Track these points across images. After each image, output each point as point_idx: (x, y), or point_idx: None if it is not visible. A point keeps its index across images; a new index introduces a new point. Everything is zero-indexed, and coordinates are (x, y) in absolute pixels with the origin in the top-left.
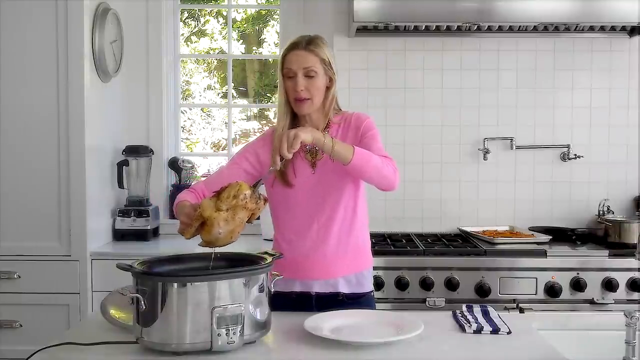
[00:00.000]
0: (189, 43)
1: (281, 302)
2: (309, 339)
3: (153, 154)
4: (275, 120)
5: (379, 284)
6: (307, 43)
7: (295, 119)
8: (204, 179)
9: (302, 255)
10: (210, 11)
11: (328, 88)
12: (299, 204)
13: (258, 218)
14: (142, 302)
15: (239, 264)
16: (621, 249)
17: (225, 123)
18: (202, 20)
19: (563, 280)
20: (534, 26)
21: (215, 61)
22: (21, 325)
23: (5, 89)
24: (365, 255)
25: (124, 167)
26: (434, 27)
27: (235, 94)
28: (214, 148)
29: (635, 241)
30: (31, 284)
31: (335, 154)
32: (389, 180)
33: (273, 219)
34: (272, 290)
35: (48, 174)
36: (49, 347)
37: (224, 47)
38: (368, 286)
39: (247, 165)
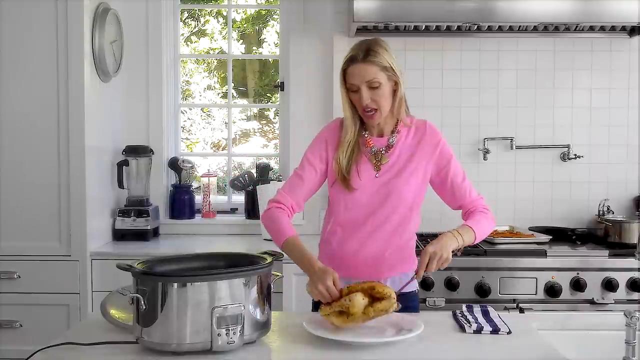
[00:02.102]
0: (189, 43)
1: None
2: (309, 339)
3: (153, 154)
4: (276, 121)
5: None
6: (365, 55)
7: (364, 124)
8: (280, 186)
9: (349, 254)
10: (210, 11)
11: (395, 91)
12: (358, 205)
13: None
14: (142, 302)
15: (239, 264)
16: (621, 249)
17: (225, 123)
18: (202, 20)
19: (563, 280)
20: (534, 26)
21: (215, 61)
22: (21, 325)
23: (5, 89)
24: (411, 257)
25: (124, 167)
26: (434, 27)
27: (235, 94)
28: (214, 148)
29: (635, 241)
30: (31, 284)
31: (465, 245)
32: (490, 231)
33: (328, 213)
34: (272, 290)
35: (48, 174)
36: (49, 347)
37: (224, 47)
38: (411, 285)
39: (321, 166)
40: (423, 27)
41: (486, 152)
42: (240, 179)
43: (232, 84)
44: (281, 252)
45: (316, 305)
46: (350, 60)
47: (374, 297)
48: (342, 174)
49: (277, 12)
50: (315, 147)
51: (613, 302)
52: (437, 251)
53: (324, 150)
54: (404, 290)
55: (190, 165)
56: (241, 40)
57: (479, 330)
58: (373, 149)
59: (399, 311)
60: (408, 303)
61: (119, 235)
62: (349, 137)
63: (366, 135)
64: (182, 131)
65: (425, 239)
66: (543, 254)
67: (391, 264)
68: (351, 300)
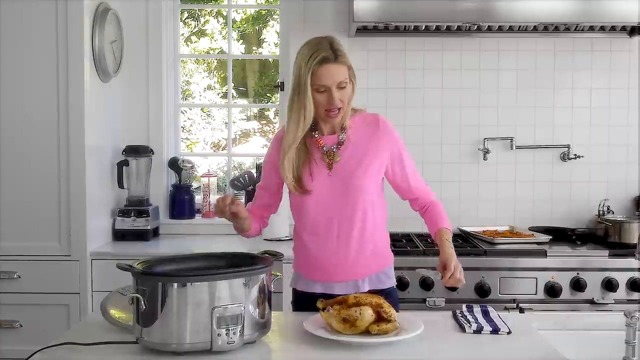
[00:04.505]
0: (189, 43)
1: (305, 301)
2: (309, 339)
3: (153, 154)
4: (276, 121)
5: None
6: (335, 54)
7: (313, 123)
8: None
9: (322, 259)
10: (210, 11)
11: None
12: (318, 207)
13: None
14: (142, 302)
15: (239, 264)
16: (621, 249)
17: (225, 123)
18: (202, 20)
19: (563, 280)
20: (534, 26)
21: (215, 61)
22: (21, 325)
23: (5, 89)
24: (385, 254)
25: (124, 167)
26: (434, 27)
27: (235, 94)
28: (214, 148)
29: (635, 241)
30: (31, 284)
31: None
32: None
33: (294, 220)
34: (272, 290)
35: (48, 174)
36: (49, 347)
37: (224, 47)
38: (389, 282)
39: (276, 177)
40: (423, 27)
41: (486, 152)
42: (240, 179)
43: (232, 84)
44: (281, 252)
45: (297, 305)
46: (322, 61)
47: (380, 315)
48: (294, 179)
49: (277, 12)
50: (266, 165)
51: (613, 302)
52: (457, 268)
53: (274, 165)
54: (377, 287)
55: (190, 165)
56: (241, 40)
57: (479, 330)
58: (324, 148)
59: None
60: (386, 299)
61: (119, 235)
62: (299, 134)
63: (316, 135)
64: (182, 131)
65: (425, 238)
66: (543, 254)
67: (368, 264)
68: (362, 313)
